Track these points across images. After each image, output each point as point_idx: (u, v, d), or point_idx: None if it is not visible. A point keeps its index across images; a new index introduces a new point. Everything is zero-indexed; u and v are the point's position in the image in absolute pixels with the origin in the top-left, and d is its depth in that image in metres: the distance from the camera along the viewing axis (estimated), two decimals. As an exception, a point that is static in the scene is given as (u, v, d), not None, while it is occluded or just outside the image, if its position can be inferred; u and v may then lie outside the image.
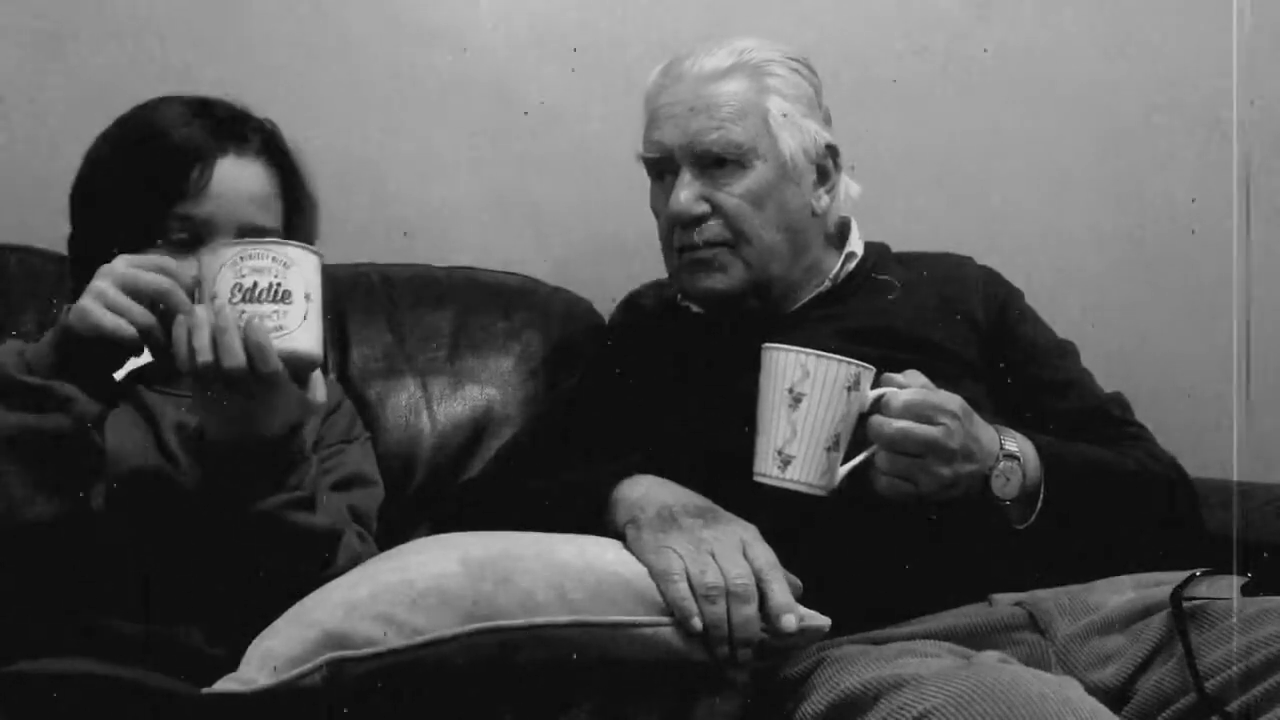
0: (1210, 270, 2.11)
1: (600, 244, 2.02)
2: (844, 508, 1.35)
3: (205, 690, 1.14)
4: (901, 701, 1.16)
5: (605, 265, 1.98)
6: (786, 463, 1.32)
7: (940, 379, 1.37)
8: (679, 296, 1.66)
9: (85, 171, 1.41)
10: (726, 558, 1.25)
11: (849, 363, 1.32)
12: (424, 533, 1.58)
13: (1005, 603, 1.40)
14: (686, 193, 1.54)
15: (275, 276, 1.22)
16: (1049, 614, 1.37)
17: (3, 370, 1.22)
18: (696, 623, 1.22)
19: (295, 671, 1.14)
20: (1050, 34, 2.09)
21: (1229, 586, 1.31)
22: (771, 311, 1.59)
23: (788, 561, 1.28)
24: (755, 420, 1.35)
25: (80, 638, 1.26)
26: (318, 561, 1.29)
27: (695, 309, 1.64)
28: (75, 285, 1.32)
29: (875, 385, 1.34)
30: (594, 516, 1.36)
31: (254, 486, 1.26)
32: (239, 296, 1.21)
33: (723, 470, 1.37)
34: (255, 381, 1.20)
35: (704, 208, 1.54)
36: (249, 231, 1.36)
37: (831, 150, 1.60)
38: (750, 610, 1.23)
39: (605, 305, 1.89)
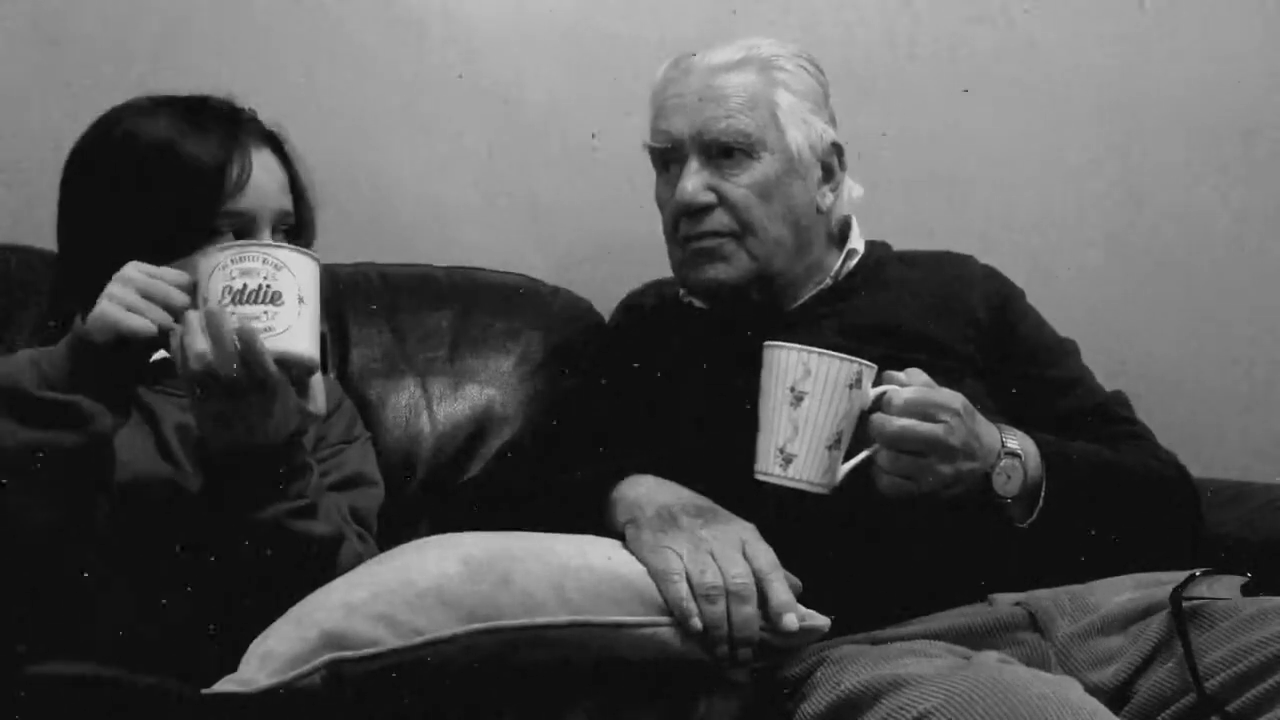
0: (1210, 270, 2.11)
1: (600, 244, 2.02)
2: (844, 507, 1.35)
3: (205, 691, 1.14)
4: (901, 701, 1.16)
5: (605, 265, 1.98)
6: (788, 461, 1.32)
7: (941, 376, 1.37)
8: (682, 293, 1.66)
9: (93, 182, 1.40)
10: (726, 557, 1.25)
11: (851, 361, 1.32)
12: (424, 532, 1.58)
13: (1005, 603, 1.40)
14: (693, 181, 1.54)
15: (265, 278, 1.22)
16: (1049, 614, 1.37)
17: (20, 388, 1.22)
18: (696, 622, 1.22)
19: (295, 672, 1.14)
20: (1050, 34, 2.09)
21: (1229, 586, 1.31)
22: (773, 309, 1.59)
23: (787, 560, 1.28)
24: (756, 418, 1.35)
25: (81, 641, 1.25)
26: (319, 568, 1.29)
27: (698, 304, 1.64)
28: (84, 291, 1.31)
29: (877, 383, 1.34)
30: (594, 516, 1.36)
31: (255, 494, 1.26)
32: (229, 298, 1.21)
33: (723, 468, 1.37)
34: (250, 385, 1.20)
35: (710, 197, 1.54)
36: (283, 218, 1.40)
37: (837, 148, 1.60)
38: (750, 610, 1.23)
39: (605, 305, 1.89)
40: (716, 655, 1.23)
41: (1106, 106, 2.10)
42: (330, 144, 1.94)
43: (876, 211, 1.68)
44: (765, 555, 1.27)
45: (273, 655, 1.15)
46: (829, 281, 1.62)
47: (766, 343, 1.35)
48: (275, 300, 1.22)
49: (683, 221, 1.56)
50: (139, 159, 1.38)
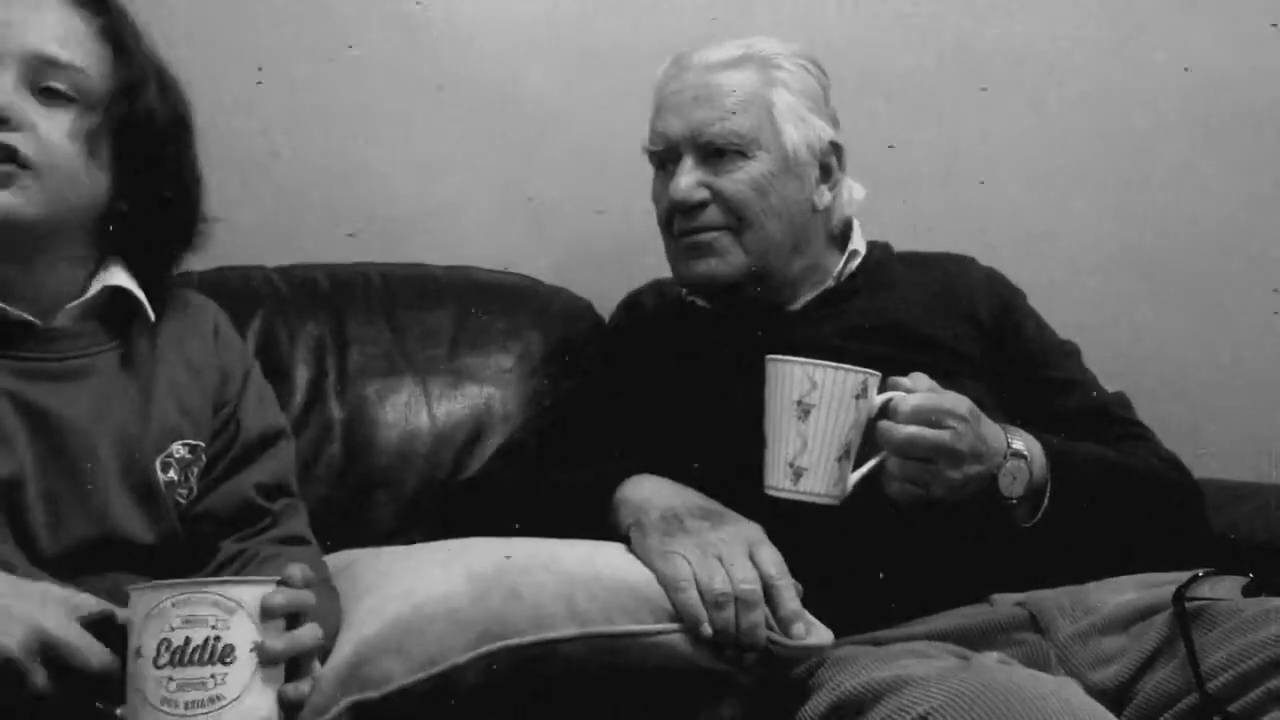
0: (1210, 271, 2.11)
1: (600, 244, 2.01)
2: (847, 509, 1.35)
3: None
4: (902, 702, 1.16)
5: (605, 265, 1.98)
6: (799, 475, 1.32)
7: (944, 377, 1.37)
8: (684, 293, 1.66)
9: None
10: (734, 562, 1.25)
11: (856, 371, 1.31)
12: (422, 532, 1.58)
13: (1006, 603, 1.41)
14: (687, 179, 1.54)
15: (214, 628, 1.00)
16: (1050, 614, 1.37)
17: None
18: (707, 629, 1.22)
19: None
20: (1051, 34, 2.09)
21: (1230, 587, 1.31)
22: (775, 309, 1.59)
23: (789, 560, 1.28)
24: (759, 420, 1.34)
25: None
26: None
27: (700, 303, 1.64)
28: None
29: (882, 389, 1.33)
30: (597, 517, 1.36)
31: None
32: (167, 657, 0.99)
33: (726, 469, 1.37)
34: None
35: (703, 194, 1.54)
36: (41, 71, 1.17)
37: (835, 148, 1.60)
38: (757, 616, 1.23)
39: (605, 305, 1.89)
40: (724, 660, 1.23)
41: (1106, 107, 2.10)
42: (330, 144, 1.95)
43: (876, 212, 1.68)
44: (773, 560, 1.27)
45: None
46: (831, 282, 1.62)
47: (770, 357, 1.34)
48: (226, 658, 1.00)
49: (677, 218, 1.56)
50: None
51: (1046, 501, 1.39)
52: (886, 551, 1.40)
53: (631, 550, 1.30)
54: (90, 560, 1.18)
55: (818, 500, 1.32)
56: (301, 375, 1.78)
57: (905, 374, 1.35)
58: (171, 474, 1.26)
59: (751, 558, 1.26)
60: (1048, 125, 2.09)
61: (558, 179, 2.01)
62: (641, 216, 1.64)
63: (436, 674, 1.16)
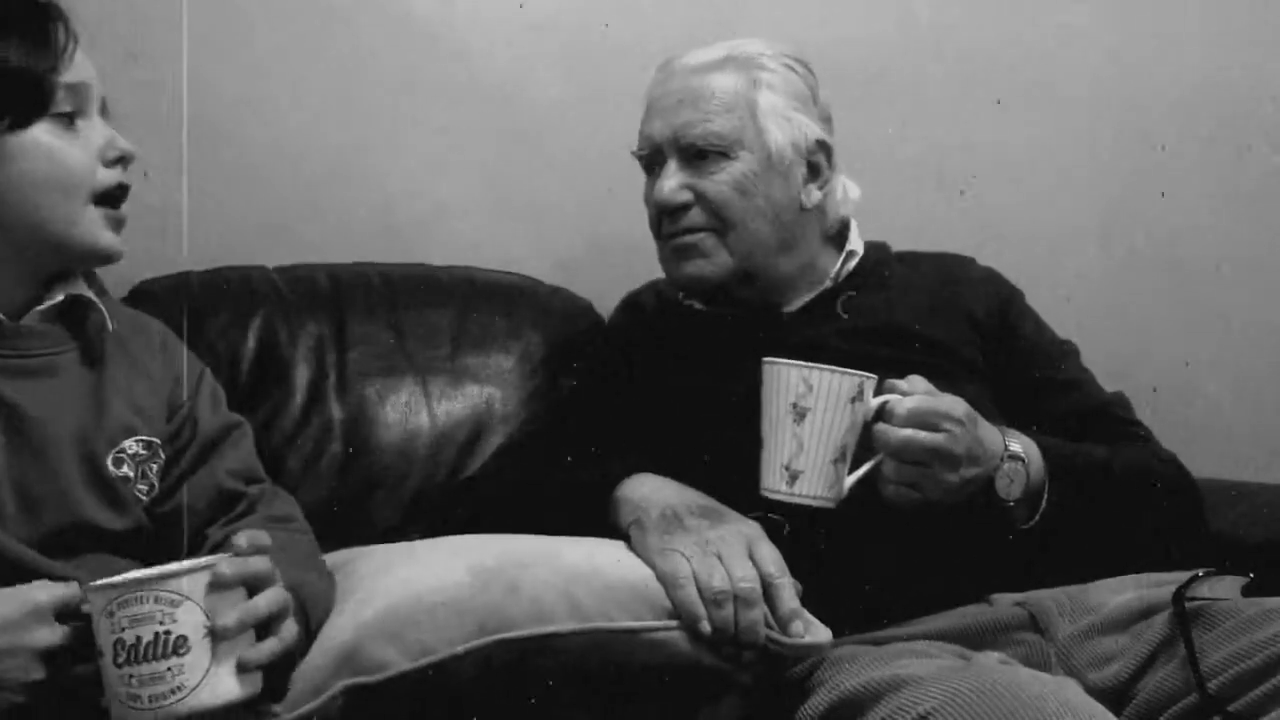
0: (1210, 271, 2.11)
1: (600, 244, 2.02)
2: (846, 509, 1.35)
3: None
4: (902, 702, 1.16)
5: (605, 265, 1.98)
6: (794, 478, 1.32)
7: (942, 378, 1.37)
8: (681, 296, 1.66)
9: None
10: (732, 560, 1.25)
11: (852, 374, 1.31)
12: (422, 531, 1.58)
13: (1005, 603, 1.41)
14: (671, 182, 1.55)
15: (161, 623, 1.00)
16: (1049, 614, 1.37)
17: None
18: (705, 627, 1.22)
19: (312, 705, 1.14)
20: (1051, 34, 2.09)
21: (1230, 587, 1.31)
22: (772, 310, 1.59)
23: (788, 561, 1.28)
24: (755, 421, 1.34)
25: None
26: None
27: (698, 305, 1.64)
28: None
29: (878, 392, 1.33)
30: (596, 515, 1.36)
31: None
32: (124, 656, 1.00)
33: (725, 470, 1.37)
34: None
35: (686, 196, 1.55)
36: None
37: (823, 146, 1.59)
38: (756, 614, 1.23)
39: (605, 305, 1.89)
40: (722, 658, 1.23)
41: (1106, 108, 2.10)
42: (330, 144, 1.95)
43: (876, 212, 1.68)
44: (772, 558, 1.27)
45: (290, 684, 1.15)
46: (828, 283, 1.62)
47: (765, 359, 1.34)
48: (179, 649, 1.00)
49: (664, 220, 1.58)
50: None
51: (1045, 503, 1.39)
52: (886, 551, 1.40)
53: (632, 548, 1.30)
54: (69, 544, 1.22)
55: (813, 504, 1.32)
56: (302, 375, 1.78)
57: (903, 374, 1.35)
58: (125, 469, 1.28)
59: (751, 556, 1.26)
60: (1048, 125, 2.09)
61: (558, 179, 2.01)
62: (641, 216, 1.65)
63: (433, 663, 1.16)
